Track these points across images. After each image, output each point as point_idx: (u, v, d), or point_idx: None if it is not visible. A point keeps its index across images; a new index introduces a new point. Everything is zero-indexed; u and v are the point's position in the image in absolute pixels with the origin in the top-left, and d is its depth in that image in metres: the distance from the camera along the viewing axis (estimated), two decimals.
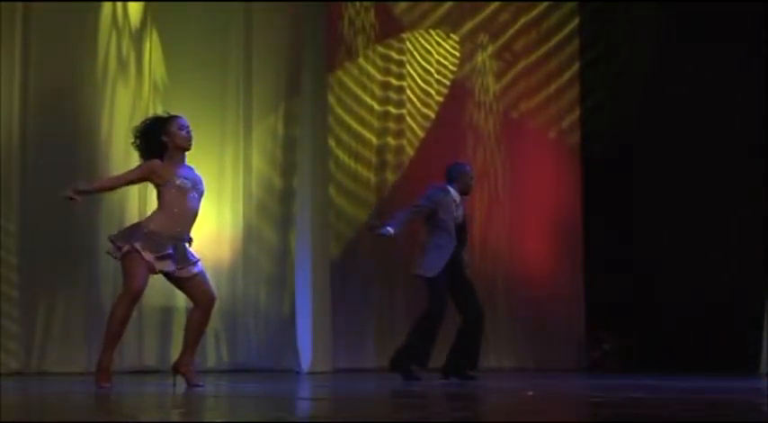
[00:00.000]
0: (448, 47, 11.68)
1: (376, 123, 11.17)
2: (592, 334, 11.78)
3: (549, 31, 12.26)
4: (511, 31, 12.05)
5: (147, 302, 8.89)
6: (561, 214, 12.08)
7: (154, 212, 6.87)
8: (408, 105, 11.37)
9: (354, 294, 10.76)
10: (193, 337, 6.96)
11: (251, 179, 10.35)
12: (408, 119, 11.35)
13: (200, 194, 6.92)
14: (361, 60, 11.12)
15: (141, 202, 9.34)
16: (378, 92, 11.21)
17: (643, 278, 11.45)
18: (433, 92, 11.55)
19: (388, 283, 10.93)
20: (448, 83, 11.66)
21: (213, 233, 9.84)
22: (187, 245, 6.86)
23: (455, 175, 8.62)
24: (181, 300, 8.15)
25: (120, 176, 7.08)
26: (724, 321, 10.79)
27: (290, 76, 10.49)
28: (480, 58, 11.86)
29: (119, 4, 9.81)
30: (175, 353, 7.57)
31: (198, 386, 6.83)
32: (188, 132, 6.91)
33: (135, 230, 6.78)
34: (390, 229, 8.27)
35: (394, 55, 11.33)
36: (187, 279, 6.86)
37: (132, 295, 6.70)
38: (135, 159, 7.12)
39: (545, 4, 12.25)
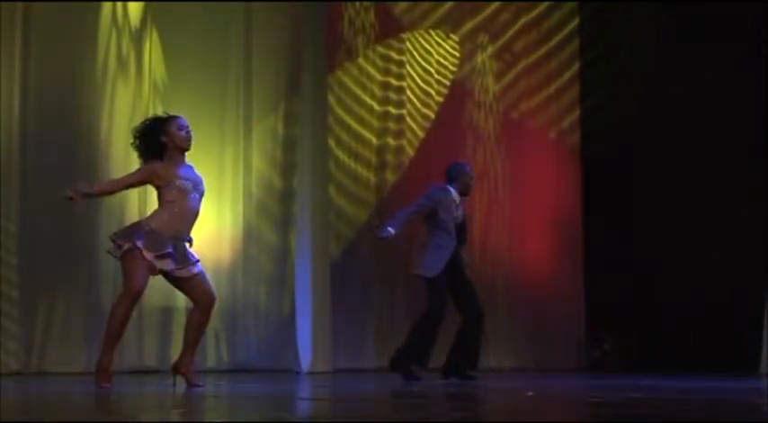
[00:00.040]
0: (448, 47, 11.68)
1: (376, 123, 11.17)
2: (592, 334, 11.78)
3: (549, 31, 12.26)
4: (511, 32, 12.05)
5: (147, 302, 8.90)
6: (561, 214, 12.08)
7: (155, 211, 6.88)
8: (408, 105, 11.37)
9: (354, 294, 10.76)
10: (193, 337, 6.96)
11: (251, 179, 10.35)
12: (408, 119, 11.35)
13: (201, 195, 6.92)
14: (361, 60, 11.12)
15: (141, 202, 9.34)
16: (378, 92, 11.21)
17: (643, 278, 11.45)
18: (432, 92, 11.55)
19: (388, 283, 10.93)
20: (448, 83, 11.66)
21: (213, 233, 9.84)
22: (187, 245, 6.86)
23: (455, 175, 8.62)
24: (181, 300, 8.14)
25: (121, 180, 7.07)
26: (724, 321, 10.79)
27: (290, 76, 10.49)
28: (480, 58, 11.86)
29: (119, 4, 9.81)
30: (175, 353, 7.57)
31: (198, 386, 6.83)
32: (187, 132, 6.91)
33: (136, 229, 6.78)
34: (391, 230, 8.27)
35: (394, 55, 11.33)
36: (187, 279, 6.86)
37: (132, 295, 6.70)
38: (135, 159, 7.11)
39: (545, 4, 12.25)
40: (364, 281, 10.88)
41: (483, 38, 11.87)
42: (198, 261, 6.90)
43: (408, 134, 11.33)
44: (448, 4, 11.68)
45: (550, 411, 5.39)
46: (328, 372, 9.83)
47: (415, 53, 11.47)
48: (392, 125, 11.26)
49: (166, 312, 9.59)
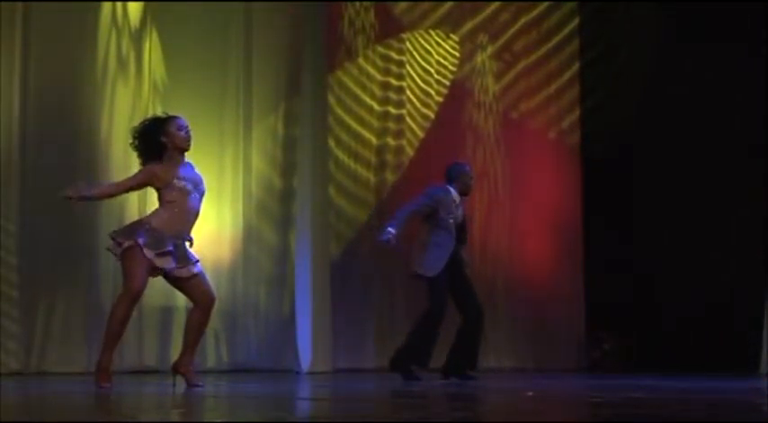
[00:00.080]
0: (448, 47, 11.68)
1: (376, 123, 11.17)
2: (592, 334, 11.78)
3: (549, 31, 12.25)
4: (511, 32, 12.05)
5: (147, 302, 8.90)
6: (561, 214, 12.08)
7: (155, 210, 6.87)
8: (408, 105, 11.36)
9: (354, 294, 10.76)
10: (193, 337, 6.96)
11: (251, 179, 10.35)
12: (408, 119, 11.35)
13: (202, 195, 6.92)
14: (360, 60, 11.12)
15: (141, 202, 9.33)
16: (377, 92, 11.20)
17: (643, 278, 11.45)
18: (432, 92, 11.55)
19: (388, 283, 10.93)
20: (448, 83, 11.65)
21: (213, 233, 9.84)
22: (188, 245, 6.86)
23: (455, 175, 8.62)
24: (181, 300, 8.14)
25: (121, 183, 7.05)
26: (724, 321, 10.79)
27: (290, 76, 10.49)
28: (480, 58, 11.86)
29: (119, 4, 9.81)
30: (175, 353, 7.57)
31: (198, 386, 6.83)
32: (187, 133, 6.91)
33: (137, 227, 6.78)
34: (392, 230, 8.26)
35: (394, 55, 11.33)
36: (187, 279, 6.86)
37: (132, 295, 6.70)
38: (135, 159, 7.09)
39: (545, 4, 12.24)
40: (364, 281, 10.88)
41: (483, 38, 11.87)
42: (198, 261, 6.90)
43: (408, 134, 11.33)
44: (448, 4, 11.68)
45: (550, 411, 5.39)
46: (328, 372, 9.83)
47: (414, 53, 11.47)
48: (392, 125, 11.26)
49: (166, 312, 9.59)
